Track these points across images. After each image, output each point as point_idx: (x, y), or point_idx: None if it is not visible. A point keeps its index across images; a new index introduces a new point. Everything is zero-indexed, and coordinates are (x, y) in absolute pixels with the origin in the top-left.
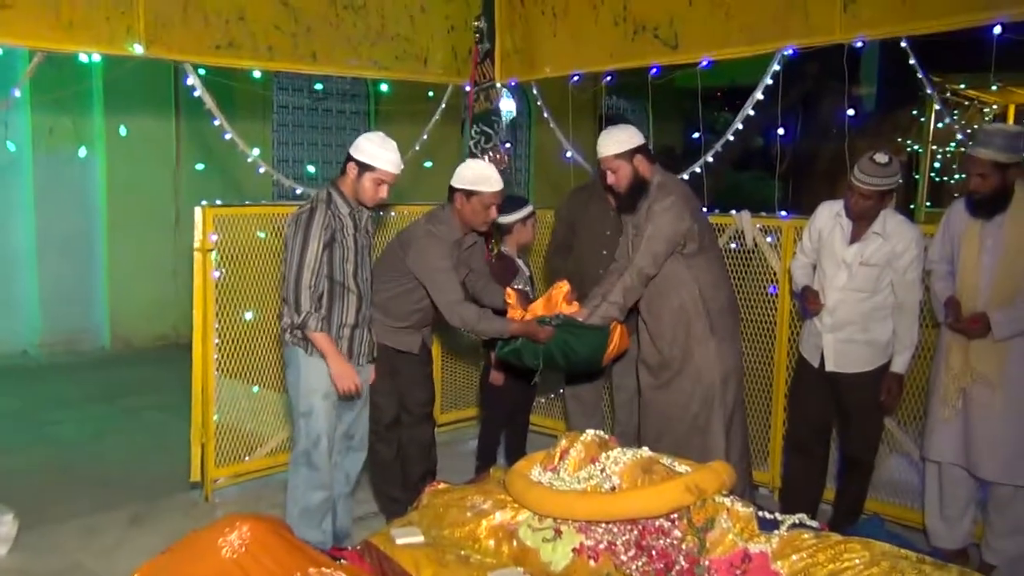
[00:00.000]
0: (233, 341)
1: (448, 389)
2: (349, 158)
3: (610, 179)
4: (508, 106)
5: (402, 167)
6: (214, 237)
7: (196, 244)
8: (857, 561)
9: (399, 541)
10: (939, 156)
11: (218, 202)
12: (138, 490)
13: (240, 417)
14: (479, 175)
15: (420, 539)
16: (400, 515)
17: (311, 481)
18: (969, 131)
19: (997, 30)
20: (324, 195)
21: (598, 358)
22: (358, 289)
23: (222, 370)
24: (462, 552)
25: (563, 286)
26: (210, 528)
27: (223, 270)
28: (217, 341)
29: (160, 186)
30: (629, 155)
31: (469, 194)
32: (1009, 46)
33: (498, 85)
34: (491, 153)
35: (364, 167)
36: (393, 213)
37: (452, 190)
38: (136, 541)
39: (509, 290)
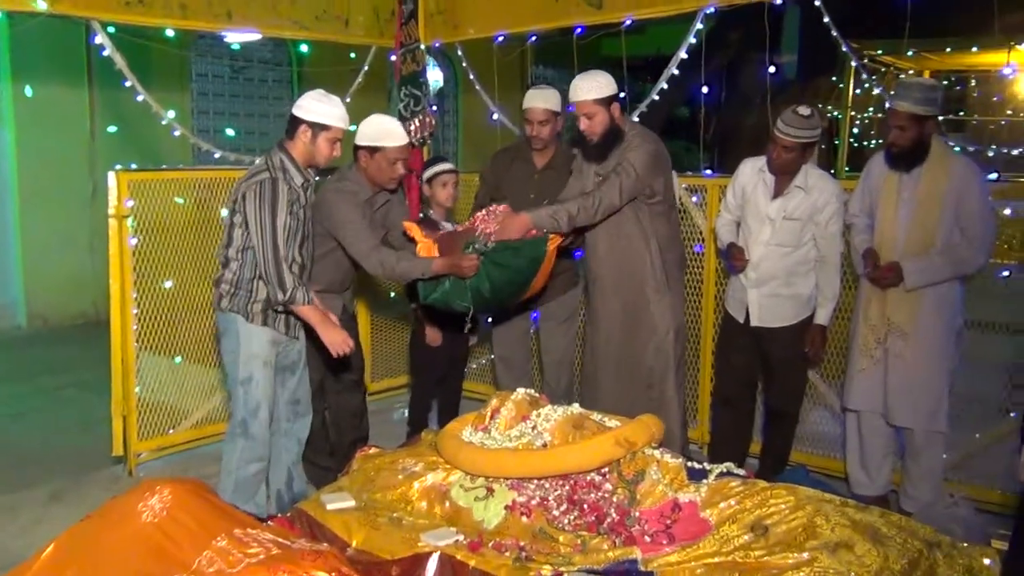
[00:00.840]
0: (153, 310)
1: (378, 357)
2: (298, 120)
3: (584, 124)
4: (435, 76)
5: (348, 120)
6: (130, 203)
7: (111, 210)
8: (783, 506)
9: (330, 507)
10: (858, 121)
11: (133, 166)
12: (59, 468)
13: (163, 389)
14: (381, 130)
15: (351, 503)
16: (331, 483)
17: (248, 452)
18: (892, 91)
19: None
20: (278, 162)
21: (528, 279)
22: (302, 260)
23: (142, 341)
24: (394, 515)
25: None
26: (130, 493)
27: (140, 237)
28: (136, 311)
29: (74, 155)
30: (607, 101)
31: (373, 150)
32: (922, 13)
33: (422, 47)
34: (421, 116)
35: (318, 127)
36: (316, 178)
37: (356, 148)
38: (57, 518)
39: (406, 223)
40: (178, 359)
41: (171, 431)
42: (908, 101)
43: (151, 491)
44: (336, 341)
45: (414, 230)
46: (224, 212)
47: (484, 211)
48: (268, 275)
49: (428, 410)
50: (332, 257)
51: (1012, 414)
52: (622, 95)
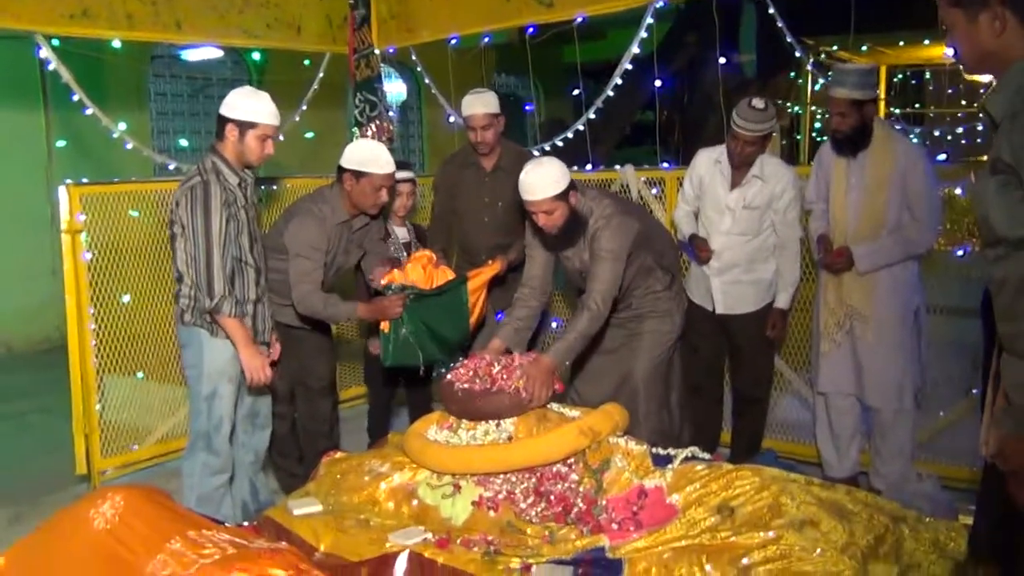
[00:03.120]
0: (111, 327)
1: (345, 366)
2: (224, 119)
3: (542, 220)
4: (397, 88)
5: (279, 117)
6: (82, 217)
7: (63, 226)
8: (748, 487)
9: (296, 512)
10: (818, 117)
11: (84, 180)
12: (21, 490)
13: (125, 406)
14: (368, 155)
15: (318, 508)
16: (298, 489)
17: (210, 466)
18: (828, 79)
19: None
20: (210, 165)
21: (464, 324)
22: (255, 262)
23: (101, 357)
24: (361, 516)
25: (422, 255)
26: (81, 501)
27: (95, 253)
28: (94, 327)
29: (32, 180)
30: (564, 195)
31: (358, 175)
32: (874, 8)
33: (376, 52)
34: (377, 121)
35: (245, 125)
36: (275, 187)
37: (341, 170)
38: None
39: (382, 276)
40: (140, 375)
41: (135, 447)
42: (845, 87)
43: (103, 498)
44: (254, 366)
45: (394, 277)
46: None
47: (499, 365)
48: (198, 280)
49: (386, 418)
50: None
51: (974, 391)
52: (576, 92)
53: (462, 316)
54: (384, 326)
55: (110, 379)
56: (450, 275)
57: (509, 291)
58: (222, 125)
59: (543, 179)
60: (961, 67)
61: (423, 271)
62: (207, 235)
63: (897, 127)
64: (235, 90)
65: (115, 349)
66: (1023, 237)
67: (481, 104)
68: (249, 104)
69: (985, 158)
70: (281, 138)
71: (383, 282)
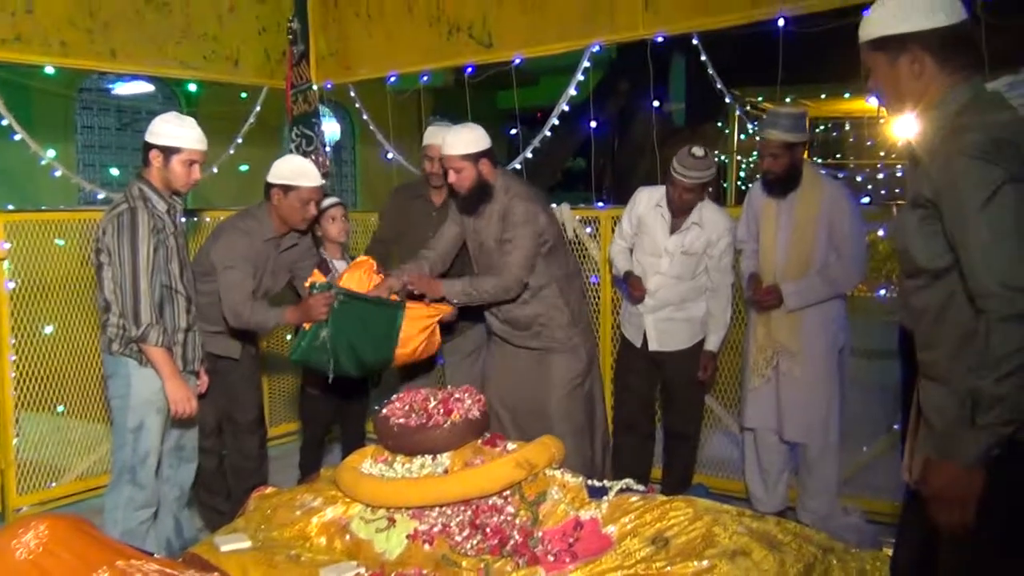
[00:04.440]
0: (32, 358)
1: (277, 401)
2: (149, 146)
3: (452, 178)
4: (331, 128)
5: (206, 142)
6: (6, 245)
7: None
8: (682, 517)
9: (224, 548)
10: (744, 165)
11: (10, 207)
12: None
13: (44, 441)
14: (296, 169)
15: (247, 544)
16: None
17: (135, 500)
18: (761, 121)
19: (780, 23)
20: (137, 192)
21: (388, 351)
22: (185, 291)
23: (21, 390)
24: (292, 552)
25: (363, 260)
26: (2, 531)
27: (18, 281)
28: (13, 358)
29: None
30: (475, 157)
31: (287, 189)
32: (797, 62)
33: (314, 87)
34: (314, 156)
35: (169, 151)
36: (208, 219)
37: (269, 186)
38: None
39: (314, 273)
40: (60, 409)
41: (53, 485)
42: (778, 129)
43: (25, 527)
44: (179, 398)
45: (319, 276)
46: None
47: (435, 400)
48: (125, 308)
49: (319, 456)
50: None
51: (895, 426)
52: (514, 132)
53: (389, 341)
54: (306, 324)
55: (27, 415)
56: None
57: (466, 339)
58: (147, 152)
59: (460, 138)
60: (884, 109)
61: (363, 276)
62: (134, 262)
63: (823, 171)
64: (159, 116)
65: (34, 383)
66: (941, 268)
67: (441, 137)
68: (173, 129)
69: (902, 202)
70: (215, 170)
71: (307, 283)
